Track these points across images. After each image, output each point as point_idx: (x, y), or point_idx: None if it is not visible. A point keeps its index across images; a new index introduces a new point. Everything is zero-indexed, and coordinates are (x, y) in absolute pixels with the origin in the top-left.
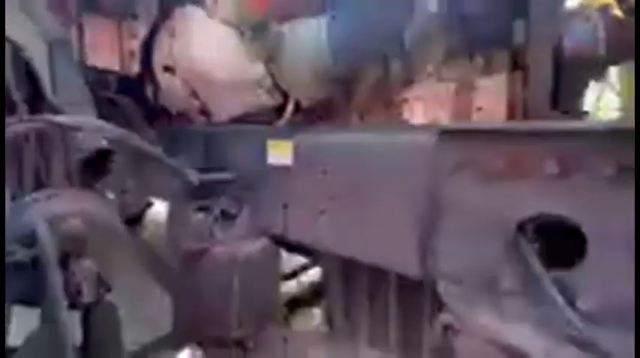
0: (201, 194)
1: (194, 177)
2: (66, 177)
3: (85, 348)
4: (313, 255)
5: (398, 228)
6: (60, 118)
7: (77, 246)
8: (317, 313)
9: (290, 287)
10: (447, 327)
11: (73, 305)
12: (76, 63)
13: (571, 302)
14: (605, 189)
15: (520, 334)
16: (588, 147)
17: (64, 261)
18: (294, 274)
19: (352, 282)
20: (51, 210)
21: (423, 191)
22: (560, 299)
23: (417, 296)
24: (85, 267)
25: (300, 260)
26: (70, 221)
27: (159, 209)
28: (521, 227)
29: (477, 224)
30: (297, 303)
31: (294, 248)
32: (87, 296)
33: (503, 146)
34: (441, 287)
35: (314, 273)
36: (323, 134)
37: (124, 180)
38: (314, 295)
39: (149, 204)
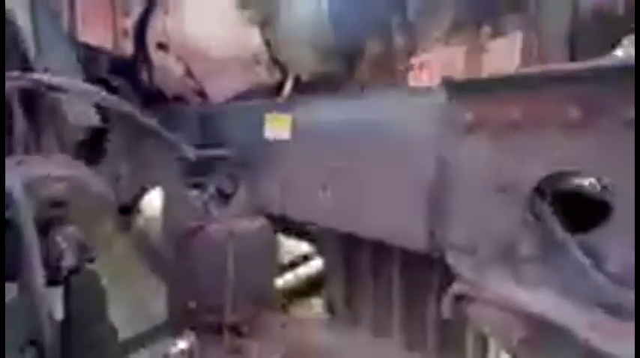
0: (196, 171)
1: (191, 152)
2: (58, 148)
3: (67, 323)
4: (314, 242)
5: (404, 199)
6: (45, 77)
7: (60, 212)
8: (316, 303)
9: (287, 279)
10: (459, 297)
11: (54, 282)
12: (66, 34)
13: (598, 266)
14: (631, 136)
15: (542, 300)
16: (612, 88)
17: (46, 229)
18: (292, 265)
19: (354, 267)
20: (33, 173)
21: (431, 156)
22: (587, 262)
23: (422, 279)
24: (68, 234)
25: (298, 248)
26: (53, 185)
27: (154, 198)
28: (538, 189)
29: (491, 187)
30: (294, 295)
31: (291, 231)
32: (67, 262)
33: (519, 95)
34: (452, 258)
35: (313, 265)
36: (323, 104)
37: (119, 166)
38: (312, 287)
39: (143, 190)
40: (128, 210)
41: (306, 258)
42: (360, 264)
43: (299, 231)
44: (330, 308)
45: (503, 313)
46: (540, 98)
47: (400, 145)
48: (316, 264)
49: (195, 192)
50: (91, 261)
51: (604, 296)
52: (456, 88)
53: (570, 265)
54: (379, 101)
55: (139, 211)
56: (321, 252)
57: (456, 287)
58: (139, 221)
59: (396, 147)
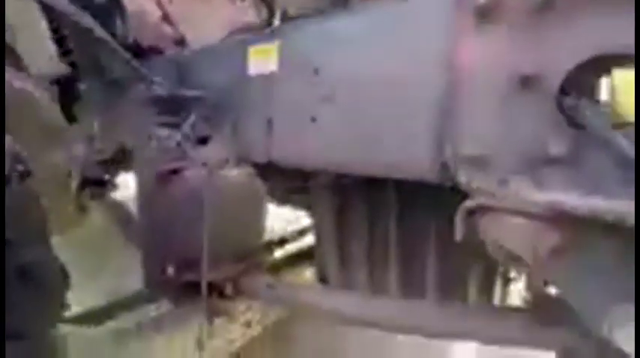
0: (170, 113)
1: (162, 88)
2: None
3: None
4: (304, 205)
5: (407, 119)
6: None
7: None
8: (306, 273)
9: (275, 254)
10: (472, 211)
11: None
12: None
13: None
14: None
15: (572, 198)
16: None
17: None
18: (282, 242)
19: (348, 223)
20: None
21: (439, 61)
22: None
23: (421, 229)
24: None
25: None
26: None
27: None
28: (568, 81)
29: (511, 84)
30: (286, 265)
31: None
32: None
33: None
34: (465, 175)
35: (305, 241)
36: (313, 25)
37: (91, 125)
38: (302, 259)
39: (119, 161)
40: (103, 182)
41: (301, 233)
42: (354, 218)
43: (287, 193)
44: (321, 274)
45: (529, 221)
46: None
47: (403, 56)
48: (305, 240)
49: (166, 131)
50: (27, 175)
51: None
52: None
53: (610, 161)
54: (377, 11)
55: (114, 186)
56: (311, 213)
57: (469, 202)
58: (115, 195)
59: (399, 59)
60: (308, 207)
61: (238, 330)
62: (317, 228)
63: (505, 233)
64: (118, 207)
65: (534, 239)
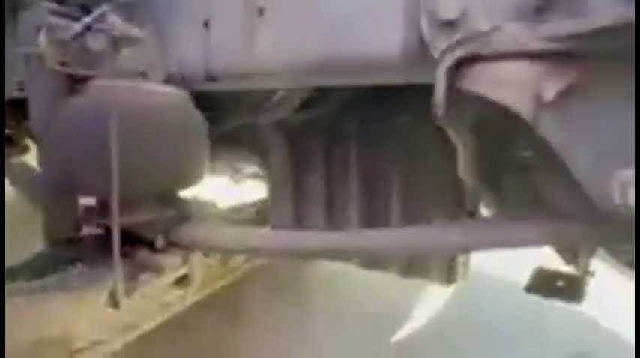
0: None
1: None
2: None
3: None
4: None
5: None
6: None
7: None
8: None
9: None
10: (455, 66)
11: None
12: None
13: None
14: None
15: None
16: None
17: None
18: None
19: (304, 162)
20: None
21: None
22: None
23: (383, 158)
24: None
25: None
26: None
27: None
28: None
29: None
30: None
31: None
32: None
33: None
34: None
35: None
36: None
37: None
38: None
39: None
40: (10, 139)
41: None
42: (311, 157)
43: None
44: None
45: (530, 64)
46: None
47: None
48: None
49: (63, 21)
50: None
51: None
52: None
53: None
54: None
55: (27, 148)
56: (262, 154)
57: (458, 51)
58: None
59: None
60: (257, 150)
61: (175, 293)
62: (270, 168)
63: (500, 83)
64: (21, 167)
65: (538, 82)
